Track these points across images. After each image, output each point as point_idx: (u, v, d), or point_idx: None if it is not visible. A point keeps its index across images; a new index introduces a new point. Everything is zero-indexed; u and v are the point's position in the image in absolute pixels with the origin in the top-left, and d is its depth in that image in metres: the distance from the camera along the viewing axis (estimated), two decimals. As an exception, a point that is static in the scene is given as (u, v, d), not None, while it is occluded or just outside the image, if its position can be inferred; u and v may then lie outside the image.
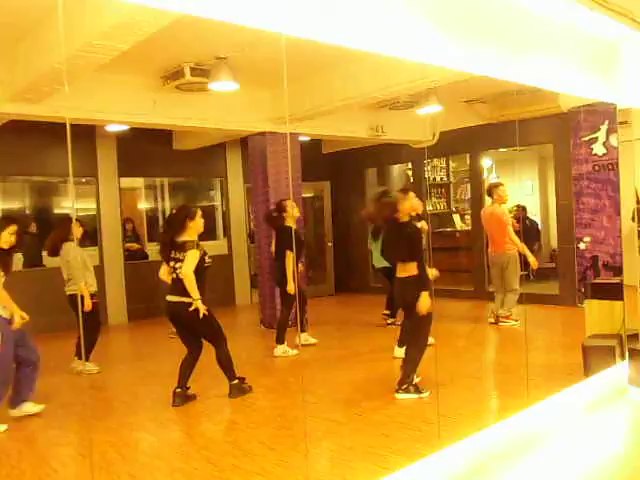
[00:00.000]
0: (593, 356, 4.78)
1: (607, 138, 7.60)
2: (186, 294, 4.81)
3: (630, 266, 5.05)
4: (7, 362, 4.54)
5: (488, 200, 7.75)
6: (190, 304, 4.80)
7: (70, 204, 9.42)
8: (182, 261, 4.83)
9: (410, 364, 4.84)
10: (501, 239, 7.33)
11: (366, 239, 11.19)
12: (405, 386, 4.77)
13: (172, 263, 4.93)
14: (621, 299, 5.04)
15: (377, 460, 3.60)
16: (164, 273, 5.02)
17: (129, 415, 4.89)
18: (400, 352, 5.53)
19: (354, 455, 3.75)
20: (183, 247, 4.86)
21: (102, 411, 4.92)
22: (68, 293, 6.02)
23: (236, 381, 5.08)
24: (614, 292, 5.16)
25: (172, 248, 4.93)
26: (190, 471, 3.70)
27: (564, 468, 3.51)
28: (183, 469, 3.75)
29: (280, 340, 6.53)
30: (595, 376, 4.64)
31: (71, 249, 5.92)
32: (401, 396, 4.75)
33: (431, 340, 5.18)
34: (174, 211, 5.51)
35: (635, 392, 4.47)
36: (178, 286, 4.87)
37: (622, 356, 4.78)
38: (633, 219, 5.32)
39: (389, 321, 7.57)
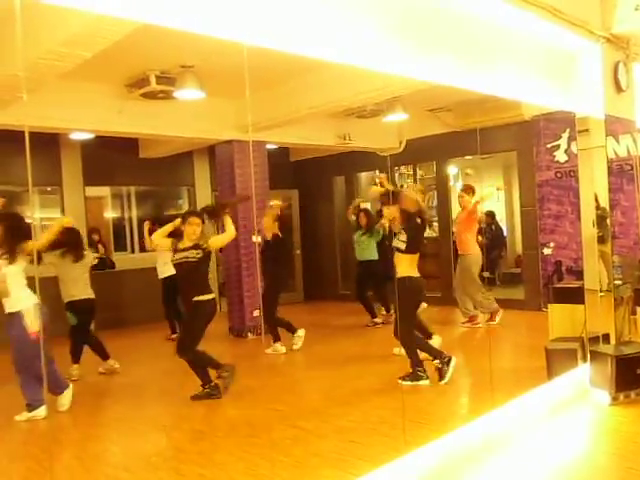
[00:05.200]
0: (556, 359, 4.88)
1: (569, 145, 7.73)
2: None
3: (590, 270, 5.17)
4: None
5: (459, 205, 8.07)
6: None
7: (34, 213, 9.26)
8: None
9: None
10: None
11: (334, 247, 11.28)
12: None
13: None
14: (582, 303, 5.16)
15: (344, 466, 3.61)
16: None
17: (93, 427, 4.83)
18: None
19: (321, 462, 3.76)
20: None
21: (66, 423, 4.83)
22: None
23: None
24: (576, 296, 5.28)
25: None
26: (157, 482, 3.66)
27: (529, 469, 3.57)
28: (150, 480, 3.71)
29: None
30: (558, 379, 4.74)
31: None
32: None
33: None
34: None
35: (596, 393, 4.57)
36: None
37: (584, 359, 4.89)
38: (594, 224, 5.44)
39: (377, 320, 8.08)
